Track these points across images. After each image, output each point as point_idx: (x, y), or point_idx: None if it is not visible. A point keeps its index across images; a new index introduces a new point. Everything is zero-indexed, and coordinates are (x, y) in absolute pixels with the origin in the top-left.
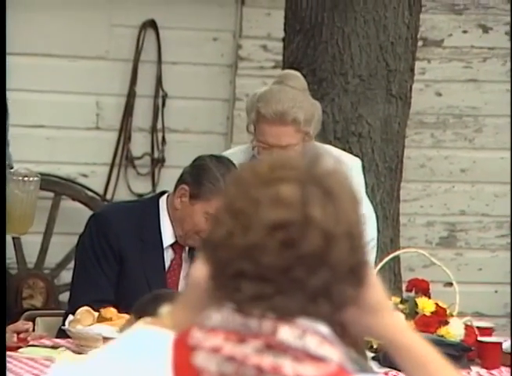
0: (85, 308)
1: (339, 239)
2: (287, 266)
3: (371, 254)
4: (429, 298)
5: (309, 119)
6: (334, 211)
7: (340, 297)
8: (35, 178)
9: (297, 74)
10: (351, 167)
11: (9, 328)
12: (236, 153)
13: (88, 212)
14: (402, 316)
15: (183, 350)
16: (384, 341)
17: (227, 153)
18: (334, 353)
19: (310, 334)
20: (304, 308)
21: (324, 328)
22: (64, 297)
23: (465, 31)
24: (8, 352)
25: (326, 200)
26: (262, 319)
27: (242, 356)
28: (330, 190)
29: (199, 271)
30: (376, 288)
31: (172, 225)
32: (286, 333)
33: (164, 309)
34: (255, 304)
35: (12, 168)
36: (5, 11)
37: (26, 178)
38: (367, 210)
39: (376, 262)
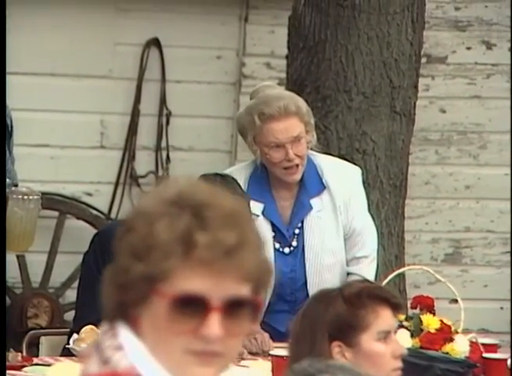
0: (90, 326)
1: None
2: None
3: (372, 267)
4: (434, 314)
5: (307, 109)
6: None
7: None
8: (35, 197)
9: (271, 83)
10: (351, 176)
11: None
12: (236, 171)
13: (93, 231)
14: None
15: None
16: None
17: (229, 171)
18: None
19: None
20: None
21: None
22: (69, 316)
23: (469, 48)
24: (12, 371)
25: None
26: None
27: None
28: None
29: None
30: None
31: None
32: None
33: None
34: None
35: (16, 185)
36: (5, 12)
37: (26, 197)
38: (367, 222)
39: (378, 277)
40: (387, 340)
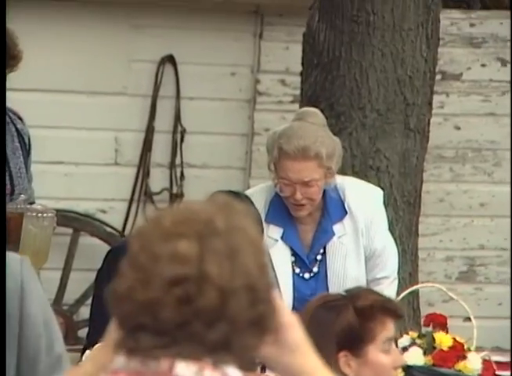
0: (103, 343)
1: (236, 293)
2: (185, 321)
3: (392, 287)
4: (447, 332)
5: (331, 154)
6: (232, 266)
7: (242, 348)
8: (49, 214)
9: (316, 110)
10: (373, 198)
11: None
12: (258, 192)
13: (107, 248)
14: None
15: None
16: None
17: (248, 193)
18: None
19: (209, 371)
20: (204, 358)
21: (233, 370)
22: (83, 333)
23: (483, 65)
24: None
25: (224, 255)
26: (160, 357)
27: None
28: (231, 245)
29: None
30: (292, 329)
31: None
32: (183, 369)
33: (87, 354)
34: (153, 352)
35: (33, 203)
36: (5, 12)
37: (40, 215)
38: (388, 243)
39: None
40: (389, 350)
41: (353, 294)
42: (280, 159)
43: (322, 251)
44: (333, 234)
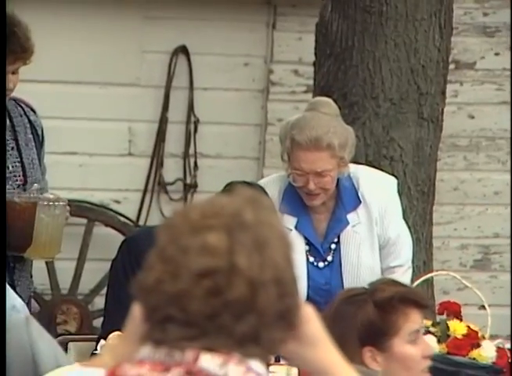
0: (118, 333)
1: (266, 286)
2: (214, 313)
3: (407, 275)
4: (461, 320)
5: (343, 144)
6: (261, 259)
7: (270, 341)
8: (61, 203)
9: (329, 100)
10: (388, 187)
11: None
12: (271, 182)
13: (121, 238)
14: (434, 339)
15: None
16: (321, 373)
17: (261, 183)
18: None
19: (233, 364)
20: (231, 351)
21: (257, 364)
22: (98, 322)
23: (497, 54)
24: None
25: (253, 247)
26: (186, 349)
27: None
28: (259, 238)
29: (137, 309)
30: (312, 323)
31: None
32: (207, 361)
33: (106, 346)
34: (180, 344)
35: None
36: (5, 12)
37: (52, 203)
38: (402, 231)
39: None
40: (416, 341)
41: (373, 288)
42: (293, 150)
43: (336, 240)
44: (347, 223)
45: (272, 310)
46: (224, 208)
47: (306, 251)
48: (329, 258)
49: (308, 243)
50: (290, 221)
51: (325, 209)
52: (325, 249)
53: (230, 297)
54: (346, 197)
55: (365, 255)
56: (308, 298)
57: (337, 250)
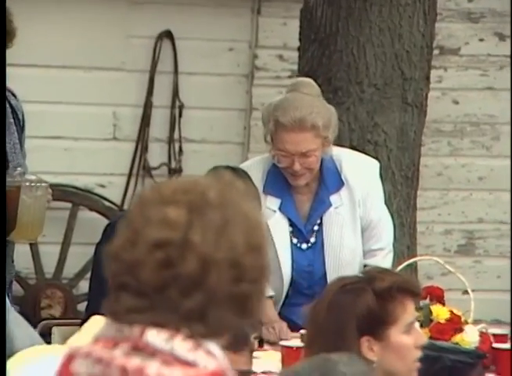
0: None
1: (218, 265)
2: (163, 285)
3: (388, 259)
4: (443, 305)
5: (327, 124)
6: (218, 238)
7: (217, 322)
8: (43, 184)
9: (310, 80)
10: (370, 170)
11: None
12: (254, 165)
13: (106, 222)
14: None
15: (66, 359)
16: None
17: (244, 165)
18: (210, 362)
19: (180, 339)
20: (178, 327)
21: (214, 346)
22: (83, 306)
23: (481, 39)
24: None
25: (212, 226)
26: (134, 324)
27: (109, 358)
28: (221, 218)
29: None
30: None
31: None
32: (153, 336)
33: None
34: (130, 316)
35: None
36: (5, 12)
37: (33, 184)
38: (384, 215)
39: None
40: (410, 331)
41: (371, 276)
42: (277, 131)
43: (318, 221)
44: (330, 205)
45: (222, 291)
46: (194, 187)
47: (290, 233)
48: (312, 240)
49: (292, 224)
50: (273, 202)
51: (308, 190)
52: (308, 230)
53: (181, 270)
54: (329, 179)
55: (347, 237)
56: (292, 281)
57: (320, 231)
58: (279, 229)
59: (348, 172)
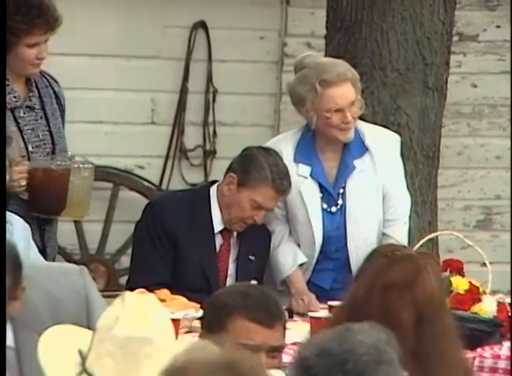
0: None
1: None
2: None
3: (403, 230)
4: (463, 276)
5: (356, 76)
6: None
7: None
8: (89, 166)
9: (310, 52)
10: (391, 141)
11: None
12: (284, 137)
13: (145, 201)
14: None
15: None
16: None
17: (274, 140)
18: None
19: None
20: None
21: None
22: (124, 280)
23: (498, 26)
24: None
25: None
26: None
27: None
28: None
29: None
30: None
31: (221, 212)
32: None
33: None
34: None
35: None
36: (5, 11)
37: (81, 166)
38: (403, 187)
39: (410, 242)
40: None
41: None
42: (325, 91)
43: (343, 185)
44: (354, 168)
45: None
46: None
47: (320, 198)
48: (340, 202)
49: (322, 190)
50: (304, 169)
51: (335, 157)
52: (336, 193)
53: None
54: (353, 145)
55: (369, 200)
56: (322, 245)
57: (345, 194)
58: (310, 195)
59: (370, 141)
